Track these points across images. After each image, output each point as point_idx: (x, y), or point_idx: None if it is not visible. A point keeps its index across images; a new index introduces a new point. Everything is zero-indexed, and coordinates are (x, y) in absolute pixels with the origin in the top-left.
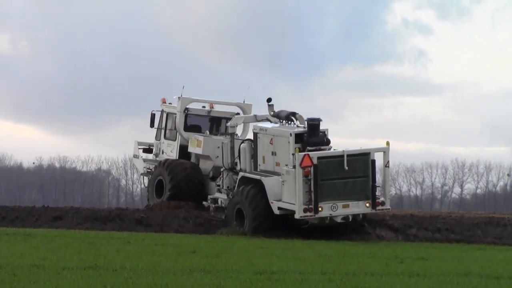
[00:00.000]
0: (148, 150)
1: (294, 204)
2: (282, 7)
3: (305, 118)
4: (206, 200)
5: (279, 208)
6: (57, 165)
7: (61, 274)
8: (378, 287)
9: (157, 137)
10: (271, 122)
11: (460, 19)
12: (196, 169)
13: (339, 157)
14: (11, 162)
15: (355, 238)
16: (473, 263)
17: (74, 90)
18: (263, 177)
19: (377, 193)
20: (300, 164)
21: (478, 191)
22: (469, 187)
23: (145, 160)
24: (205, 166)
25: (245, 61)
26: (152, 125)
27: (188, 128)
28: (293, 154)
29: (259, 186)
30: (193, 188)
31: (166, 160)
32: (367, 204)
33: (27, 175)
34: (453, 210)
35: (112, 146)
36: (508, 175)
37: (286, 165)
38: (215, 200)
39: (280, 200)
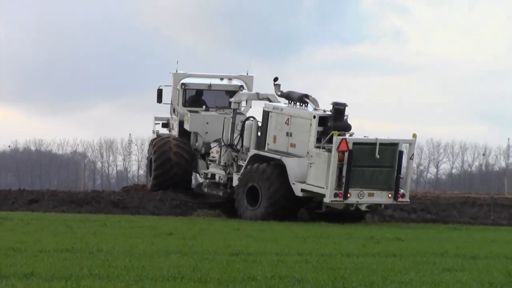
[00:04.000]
0: (166, 124)
1: (322, 187)
2: None
3: None
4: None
5: (302, 190)
6: (32, 148)
7: (38, 257)
8: (355, 268)
9: (170, 113)
10: (270, 100)
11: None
12: (182, 146)
13: (371, 145)
14: None
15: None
16: (449, 243)
17: (49, 71)
18: (283, 157)
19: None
20: (337, 148)
21: (454, 171)
22: (445, 167)
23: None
24: (199, 142)
25: (221, 42)
26: (159, 100)
27: (191, 103)
28: (319, 137)
29: (276, 165)
30: (179, 167)
31: (155, 138)
32: (390, 195)
33: (3, 159)
34: (428, 190)
35: (88, 128)
36: (483, 154)
37: (318, 147)
38: (208, 175)
39: (303, 182)
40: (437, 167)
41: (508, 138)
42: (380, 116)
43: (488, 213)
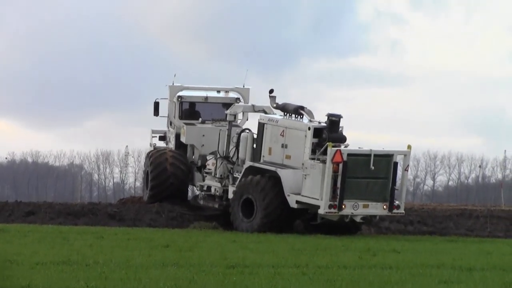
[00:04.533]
0: (164, 137)
1: (317, 199)
2: None
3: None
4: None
5: (297, 202)
6: (29, 160)
7: (35, 269)
8: (351, 280)
9: (167, 125)
10: (266, 112)
11: (435, 10)
12: (178, 158)
13: (366, 156)
14: None
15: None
16: (446, 255)
17: (46, 84)
18: (278, 169)
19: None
20: (332, 159)
21: (450, 183)
22: (441, 179)
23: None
24: (195, 155)
25: (217, 54)
26: (156, 113)
27: (187, 116)
28: (314, 149)
29: (271, 176)
30: (175, 178)
31: (152, 150)
32: (384, 207)
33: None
34: (425, 202)
35: (85, 140)
36: (480, 166)
37: (313, 158)
38: (204, 188)
39: (298, 194)
40: (433, 179)
41: (505, 150)
42: (376, 128)
43: (485, 225)
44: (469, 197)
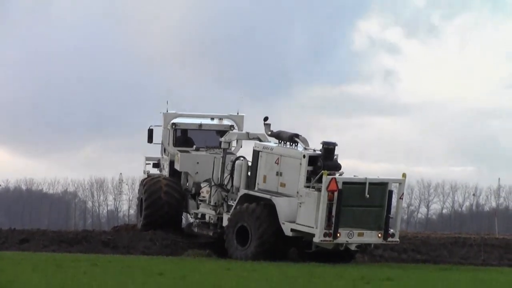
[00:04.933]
0: (157, 164)
1: (312, 227)
2: (248, 25)
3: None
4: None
5: (292, 230)
6: (23, 187)
7: None
8: None
9: (161, 152)
10: (261, 140)
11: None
12: (173, 186)
13: (361, 184)
14: None
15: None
16: (440, 283)
17: (40, 111)
18: (273, 197)
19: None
20: (327, 188)
21: (444, 211)
22: (435, 207)
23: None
24: (189, 182)
25: (211, 81)
26: (150, 140)
27: (181, 143)
28: (309, 177)
29: (266, 204)
30: (169, 206)
31: (145, 178)
32: (379, 235)
33: None
34: (419, 231)
35: (78, 168)
36: (474, 195)
37: (308, 186)
38: (199, 215)
39: (293, 222)
40: (427, 207)
41: (499, 179)
42: (371, 156)
43: (479, 253)
44: (463, 225)
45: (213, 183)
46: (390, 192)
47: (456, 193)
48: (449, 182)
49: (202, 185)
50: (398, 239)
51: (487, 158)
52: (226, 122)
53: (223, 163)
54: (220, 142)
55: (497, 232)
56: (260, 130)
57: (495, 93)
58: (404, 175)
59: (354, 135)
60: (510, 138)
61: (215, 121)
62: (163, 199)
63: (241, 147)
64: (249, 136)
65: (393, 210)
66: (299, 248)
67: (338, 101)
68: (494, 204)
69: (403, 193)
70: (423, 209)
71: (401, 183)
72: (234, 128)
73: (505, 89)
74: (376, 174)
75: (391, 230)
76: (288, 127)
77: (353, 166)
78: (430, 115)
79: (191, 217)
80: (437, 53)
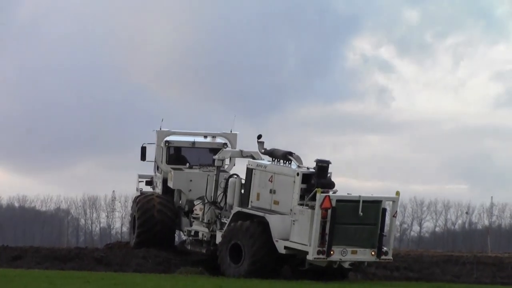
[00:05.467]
0: (150, 182)
1: (305, 244)
2: (240, 43)
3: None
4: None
5: (285, 248)
6: (16, 204)
7: None
8: None
9: (154, 170)
10: (254, 158)
11: (422, 57)
12: (166, 204)
13: (354, 202)
14: None
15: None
16: None
17: (32, 128)
18: (267, 214)
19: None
20: (321, 205)
21: (437, 229)
22: (428, 225)
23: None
24: (183, 199)
25: (204, 99)
26: (143, 158)
27: (174, 160)
28: (303, 195)
29: (259, 222)
30: (162, 225)
31: (138, 195)
32: (373, 253)
33: None
34: (412, 248)
35: (71, 185)
36: (467, 213)
37: (301, 204)
38: (192, 233)
39: (286, 239)
40: (420, 225)
41: (492, 197)
42: (364, 174)
43: (471, 271)
44: (455, 243)
45: (206, 201)
46: (384, 210)
47: (449, 211)
48: (442, 200)
49: (195, 202)
50: (391, 257)
51: (480, 176)
52: (219, 140)
53: (217, 181)
54: (214, 160)
55: (489, 250)
56: (254, 148)
57: (487, 111)
58: (397, 193)
59: (348, 153)
60: (502, 156)
61: (208, 139)
62: (156, 217)
63: (234, 165)
64: (242, 154)
65: (386, 228)
66: (293, 265)
67: (331, 119)
68: (486, 222)
69: (396, 211)
70: (416, 227)
71: (394, 201)
72: (227, 146)
73: (498, 107)
74: (369, 192)
75: (385, 248)
76: (282, 145)
77: (346, 183)
78: (423, 133)
79: (184, 235)
80: (430, 72)
